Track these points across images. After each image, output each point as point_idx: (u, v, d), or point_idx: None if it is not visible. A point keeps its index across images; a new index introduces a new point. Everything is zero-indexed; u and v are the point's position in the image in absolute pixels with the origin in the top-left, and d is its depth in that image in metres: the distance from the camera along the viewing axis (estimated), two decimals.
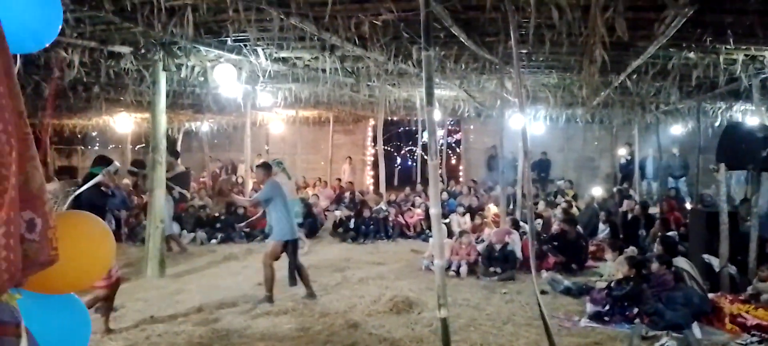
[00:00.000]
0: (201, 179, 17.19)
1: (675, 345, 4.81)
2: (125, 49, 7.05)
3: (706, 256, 6.72)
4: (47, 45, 1.65)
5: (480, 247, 8.23)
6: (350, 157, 18.00)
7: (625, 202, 10.96)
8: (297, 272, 6.45)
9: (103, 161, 5.33)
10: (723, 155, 6.61)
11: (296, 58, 8.00)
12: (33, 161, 1.38)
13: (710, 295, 5.91)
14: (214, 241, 10.60)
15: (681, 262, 6.38)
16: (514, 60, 4.28)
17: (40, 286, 1.56)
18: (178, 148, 17.78)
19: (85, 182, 4.93)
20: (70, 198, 4.67)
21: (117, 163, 5.40)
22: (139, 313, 5.81)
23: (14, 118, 1.33)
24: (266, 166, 6.66)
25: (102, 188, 4.98)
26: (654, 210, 10.99)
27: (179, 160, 9.69)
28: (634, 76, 8.34)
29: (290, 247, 6.36)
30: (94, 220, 1.85)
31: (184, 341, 4.98)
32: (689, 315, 5.46)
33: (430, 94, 4.59)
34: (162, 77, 7.46)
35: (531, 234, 4.65)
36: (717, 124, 12.51)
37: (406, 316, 5.77)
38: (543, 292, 6.82)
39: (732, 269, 6.36)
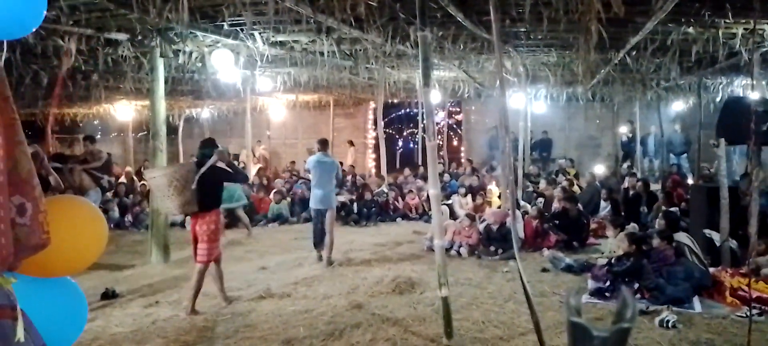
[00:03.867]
0: None
1: (675, 319, 4.83)
2: (122, 36, 7.03)
3: (707, 231, 6.72)
4: (33, 30, 1.65)
5: (481, 227, 8.26)
6: (352, 142, 17.90)
7: (627, 179, 10.96)
8: (322, 239, 7.38)
9: (210, 143, 5.63)
10: (723, 130, 6.58)
11: (293, 41, 7.97)
12: (21, 146, 1.39)
13: (711, 269, 5.93)
14: None
15: (682, 237, 6.39)
16: (495, 36, 4.24)
17: (35, 269, 1.58)
18: (179, 133, 17.79)
19: (198, 165, 5.35)
20: (197, 177, 5.17)
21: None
22: (145, 298, 5.88)
23: (0, 103, 1.34)
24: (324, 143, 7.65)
25: (218, 167, 5.47)
26: (656, 187, 10.99)
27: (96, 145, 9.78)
28: (634, 53, 8.29)
29: (318, 214, 7.37)
30: (86, 204, 1.86)
31: (189, 325, 5.03)
32: (690, 289, 5.49)
33: (426, 75, 4.59)
34: (160, 64, 7.44)
35: (513, 209, 4.69)
36: (718, 99, 12.44)
37: (408, 296, 5.81)
38: (544, 269, 6.87)
39: (733, 244, 6.37)
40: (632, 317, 0.87)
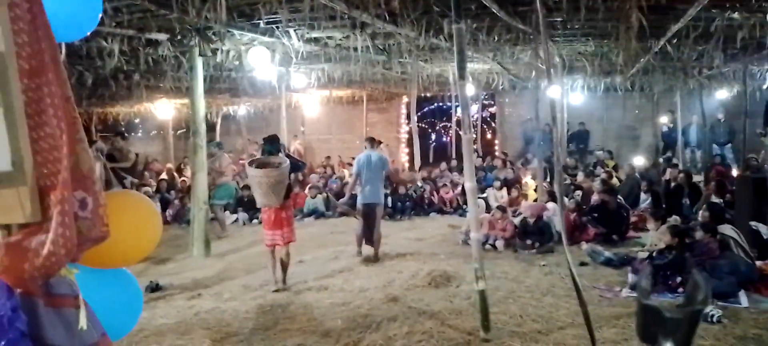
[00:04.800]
0: (240, 161, 17.54)
1: (720, 313, 4.71)
2: (162, 36, 7.21)
3: (753, 223, 6.52)
4: (88, 34, 1.74)
5: (516, 220, 8.19)
6: (379, 141, 17.78)
7: (668, 170, 10.69)
8: (371, 234, 7.44)
9: (276, 140, 6.28)
10: None
11: (328, 37, 8.04)
12: (81, 143, 1.47)
13: (758, 262, 5.76)
14: (255, 221, 10.87)
15: (727, 229, 6.22)
16: (542, 28, 4.20)
17: (94, 261, 1.66)
18: (217, 130, 18.12)
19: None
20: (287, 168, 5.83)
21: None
22: (188, 291, 6.05)
23: (62, 103, 1.42)
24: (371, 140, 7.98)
25: (291, 157, 6.25)
26: (698, 178, 10.69)
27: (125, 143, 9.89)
28: (675, 41, 8.06)
29: (367, 209, 7.42)
30: (142, 199, 1.95)
31: (231, 316, 5.16)
32: (735, 283, 5.34)
33: (462, 68, 4.58)
34: (199, 63, 7.61)
35: (560, 203, 4.61)
36: (765, 86, 11.98)
37: (444, 289, 5.83)
38: (583, 263, 6.77)
39: None
40: (704, 299, 0.88)
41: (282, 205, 5.89)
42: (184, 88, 11.25)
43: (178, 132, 19.11)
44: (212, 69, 9.92)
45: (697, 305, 0.78)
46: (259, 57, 7.88)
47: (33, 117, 1.39)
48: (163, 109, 16.32)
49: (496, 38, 7.86)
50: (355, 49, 8.23)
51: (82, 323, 1.51)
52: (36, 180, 1.40)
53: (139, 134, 19.63)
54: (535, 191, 10.43)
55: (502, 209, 8.38)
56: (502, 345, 4.28)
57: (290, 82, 11.73)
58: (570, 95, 14.38)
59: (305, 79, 11.63)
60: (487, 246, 7.71)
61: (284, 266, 6.07)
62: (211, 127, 15.69)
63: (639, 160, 12.88)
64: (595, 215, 8.36)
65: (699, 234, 6.10)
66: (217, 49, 7.95)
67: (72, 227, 1.40)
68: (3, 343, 1.34)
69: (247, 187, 10.96)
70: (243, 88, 12.14)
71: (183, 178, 13.52)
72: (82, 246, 1.46)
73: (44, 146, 1.40)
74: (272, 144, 6.15)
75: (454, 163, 14.46)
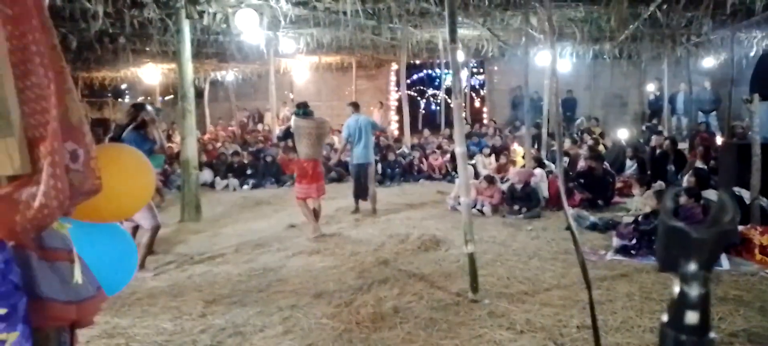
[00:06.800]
0: (229, 128, 17.44)
1: None
2: None
3: (736, 188, 6.62)
4: None
5: (504, 186, 8.27)
6: (381, 102, 17.92)
7: (654, 137, 10.79)
8: (366, 192, 8.16)
9: (306, 105, 6.80)
10: (758, 85, 6.40)
11: (316, 0, 7.93)
12: (70, 94, 1.44)
13: (740, 227, 5.86)
14: (245, 187, 10.88)
15: (711, 195, 6.32)
16: None
17: (87, 215, 1.65)
18: (205, 96, 17.89)
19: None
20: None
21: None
22: (180, 255, 6.07)
23: (49, 52, 1.38)
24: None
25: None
26: (684, 146, 10.80)
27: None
28: (665, 7, 8.05)
29: (359, 169, 8.09)
30: (134, 152, 1.93)
31: (223, 279, 5.19)
32: None
33: (453, 31, 4.54)
34: (185, 25, 7.48)
35: (559, 167, 4.63)
36: (752, 54, 12.04)
37: (433, 253, 5.90)
38: (568, 228, 6.84)
39: (763, 202, 6.26)
40: (732, 219, 0.88)
41: (318, 161, 6.62)
42: (170, 52, 11.07)
43: (166, 98, 18.87)
44: (199, 32, 9.76)
45: (725, 225, 0.78)
46: (246, 20, 7.77)
47: (18, 66, 1.35)
48: (150, 74, 16.09)
49: (487, 2, 7.80)
50: (344, 13, 8.13)
51: (77, 277, 1.51)
52: (24, 131, 1.37)
53: (127, 99, 19.41)
54: (523, 157, 10.49)
55: (489, 178, 8.43)
56: (489, 306, 4.35)
57: (279, 47, 11.59)
58: (558, 62, 14.35)
59: (294, 44, 11.49)
60: (475, 211, 7.78)
61: (317, 215, 6.75)
62: (199, 93, 15.51)
63: (623, 133, 12.93)
64: (582, 180, 8.44)
65: (683, 199, 6.19)
66: (204, 12, 7.81)
67: (64, 179, 1.38)
68: None
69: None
70: (231, 52, 11.97)
71: (171, 144, 13.41)
72: (74, 199, 1.45)
73: (31, 96, 1.36)
74: (303, 108, 6.73)
75: (446, 131, 14.47)
